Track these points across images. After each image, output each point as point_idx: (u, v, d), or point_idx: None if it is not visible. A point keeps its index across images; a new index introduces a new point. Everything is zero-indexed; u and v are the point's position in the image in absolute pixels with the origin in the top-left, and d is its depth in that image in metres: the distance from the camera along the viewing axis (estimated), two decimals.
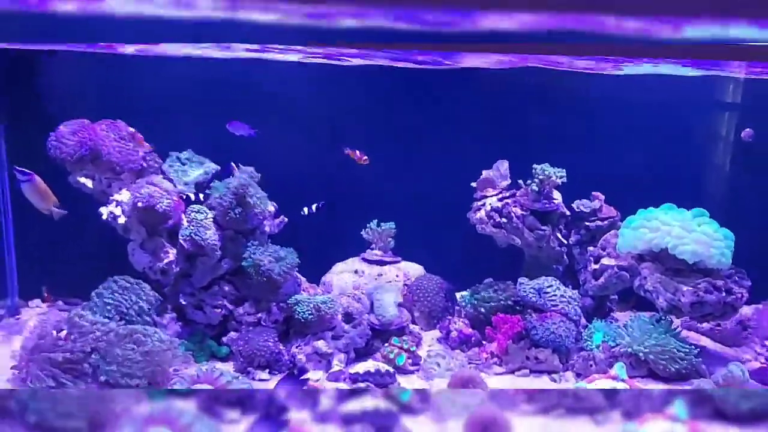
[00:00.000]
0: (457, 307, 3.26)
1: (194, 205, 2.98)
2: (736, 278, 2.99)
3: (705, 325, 3.28)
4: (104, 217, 2.93)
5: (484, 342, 3.11)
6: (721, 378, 2.75)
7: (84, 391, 2.53)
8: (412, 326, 3.22)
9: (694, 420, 2.45)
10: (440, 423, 2.69)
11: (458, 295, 3.28)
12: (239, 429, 2.35)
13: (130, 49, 3.02)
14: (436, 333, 3.24)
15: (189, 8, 2.01)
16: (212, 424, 2.32)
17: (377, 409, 2.49)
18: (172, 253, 2.96)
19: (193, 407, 2.37)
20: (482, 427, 2.59)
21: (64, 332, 2.69)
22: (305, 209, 3.14)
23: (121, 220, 2.92)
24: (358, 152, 3.21)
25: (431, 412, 2.62)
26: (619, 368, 2.85)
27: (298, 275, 3.14)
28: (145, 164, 3.03)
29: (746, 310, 3.24)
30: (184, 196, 3.03)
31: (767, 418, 2.43)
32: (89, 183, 2.96)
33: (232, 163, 3.10)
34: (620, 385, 2.72)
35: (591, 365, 2.94)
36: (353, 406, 2.50)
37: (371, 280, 3.33)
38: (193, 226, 2.93)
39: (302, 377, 2.78)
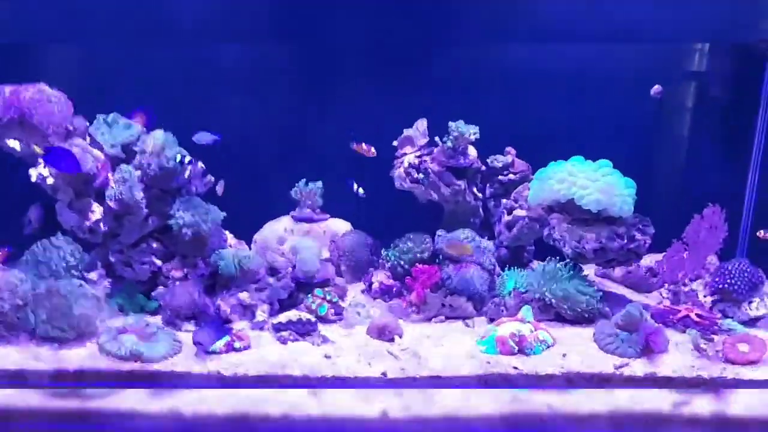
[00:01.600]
0: (381, 261, 3.41)
1: (121, 165, 3.09)
2: (640, 226, 3.17)
3: (617, 271, 3.46)
4: (33, 179, 3.05)
5: (404, 292, 3.27)
6: (620, 318, 2.91)
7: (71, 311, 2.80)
8: (338, 279, 3.37)
9: (538, 321, 3.03)
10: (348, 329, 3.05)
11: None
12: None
13: None
14: (361, 286, 3.40)
15: None
16: (171, 332, 2.90)
17: (300, 318, 2.97)
18: (99, 212, 3.09)
19: (158, 320, 2.99)
20: (379, 330, 2.89)
21: None
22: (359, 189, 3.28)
23: (50, 181, 3.04)
24: (364, 145, 3.31)
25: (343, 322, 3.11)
26: (525, 311, 3.03)
27: (224, 231, 3.27)
28: (71, 127, 3.13)
29: (655, 257, 3.44)
30: (111, 157, 3.15)
31: (592, 322, 3.06)
32: (17, 146, 3.06)
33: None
34: (526, 328, 2.90)
35: (502, 311, 3.10)
36: (282, 317, 3.01)
37: (300, 237, 3.47)
38: (118, 185, 3.04)
39: (223, 323, 2.93)
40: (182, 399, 2.58)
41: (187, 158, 3.12)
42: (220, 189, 3.29)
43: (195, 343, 2.79)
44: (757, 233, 3.42)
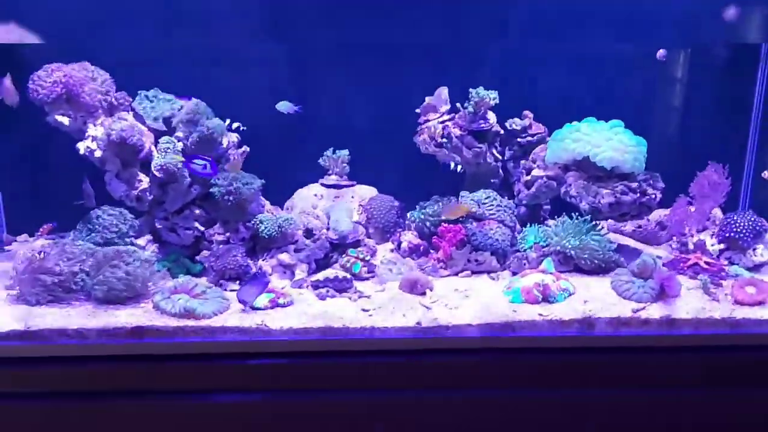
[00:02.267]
0: (407, 223, 3.62)
1: (163, 137, 3.28)
2: (650, 181, 3.38)
3: (628, 227, 3.68)
4: (81, 152, 3.24)
5: (431, 251, 3.49)
6: (635, 267, 3.13)
7: (126, 274, 3.01)
8: (367, 240, 3.58)
9: (559, 272, 3.26)
10: (381, 285, 3.26)
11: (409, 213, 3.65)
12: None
13: None
14: (389, 246, 3.60)
15: None
16: (218, 290, 3.11)
17: (337, 276, 3.15)
18: (145, 182, 3.29)
19: (204, 281, 3.20)
20: (410, 285, 3.05)
21: (43, 255, 3.02)
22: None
23: (98, 153, 3.23)
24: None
25: (376, 279, 3.31)
26: (547, 263, 3.25)
27: (262, 198, 3.47)
28: (115, 102, 3.32)
29: (663, 212, 3.66)
30: (153, 130, 3.35)
31: (609, 272, 3.27)
32: (66, 121, 3.24)
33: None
34: (549, 278, 3.13)
35: (525, 264, 3.32)
36: (320, 275, 3.19)
37: (329, 202, 3.68)
38: (162, 155, 3.23)
39: (264, 279, 3.14)
40: None
41: (235, 124, 3.34)
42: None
43: (239, 300, 3.00)
44: (762, 173, 3.64)
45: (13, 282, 3.03)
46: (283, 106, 3.44)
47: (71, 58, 3.27)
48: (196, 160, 3.24)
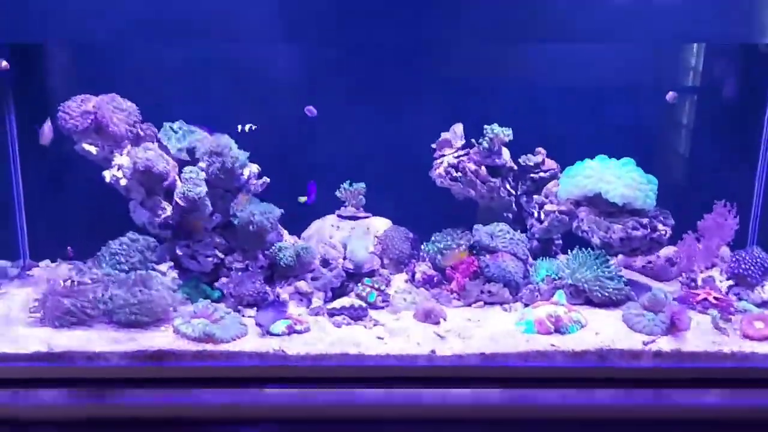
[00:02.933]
0: (421, 254, 3.69)
1: (187, 167, 3.39)
2: (661, 218, 3.46)
3: (638, 262, 3.74)
4: (107, 180, 3.35)
5: (444, 282, 3.55)
6: (646, 300, 3.19)
7: (149, 298, 3.10)
8: (382, 270, 3.65)
9: (571, 304, 3.29)
10: (396, 314, 3.29)
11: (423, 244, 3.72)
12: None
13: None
14: (403, 276, 3.67)
15: None
16: (237, 315, 3.20)
17: (352, 304, 3.22)
18: (168, 210, 3.39)
19: (223, 307, 3.23)
20: (425, 314, 3.12)
21: (69, 282, 3.10)
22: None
23: (123, 182, 3.34)
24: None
25: (390, 308, 3.35)
26: (559, 295, 3.31)
27: (281, 227, 3.56)
28: (142, 133, 3.44)
29: (673, 249, 3.72)
30: (177, 160, 3.45)
31: (620, 305, 3.36)
32: (93, 150, 3.36)
33: (239, 126, 3.51)
34: (561, 310, 3.18)
35: (537, 296, 3.38)
36: (336, 303, 3.25)
37: (345, 233, 3.76)
38: (186, 184, 3.33)
39: (282, 307, 3.22)
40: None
41: (248, 126, 3.50)
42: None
43: (257, 324, 3.08)
44: None
45: (37, 306, 3.12)
46: (310, 111, 3.56)
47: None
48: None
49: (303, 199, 3.61)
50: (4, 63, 3.36)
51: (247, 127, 3.49)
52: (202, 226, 3.39)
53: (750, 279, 3.39)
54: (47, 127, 3.35)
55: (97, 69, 3.76)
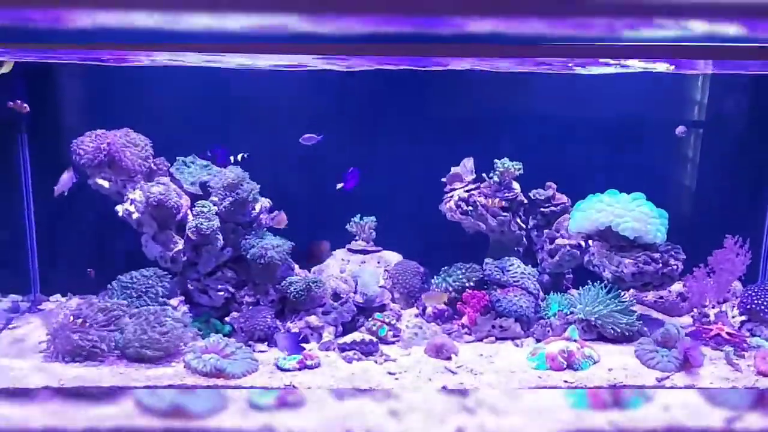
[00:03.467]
0: (432, 288, 3.68)
1: (199, 201, 3.40)
2: (672, 253, 3.45)
3: (650, 297, 3.73)
4: (120, 214, 3.37)
5: (455, 316, 3.54)
6: (659, 336, 3.18)
7: (160, 334, 3.08)
8: (392, 305, 3.64)
9: (583, 340, 3.28)
10: (407, 349, 3.29)
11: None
12: (267, 355, 3.18)
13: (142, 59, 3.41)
14: (413, 310, 3.66)
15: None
16: (248, 350, 3.15)
17: (363, 339, 3.18)
18: (180, 244, 3.40)
19: (234, 341, 3.19)
20: (436, 349, 3.11)
21: (79, 320, 3.10)
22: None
23: (135, 215, 3.35)
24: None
25: (401, 343, 3.32)
26: (571, 330, 3.30)
27: (291, 261, 3.56)
28: (155, 167, 3.46)
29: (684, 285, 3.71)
30: (190, 194, 3.47)
31: (632, 340, 3.32)
32: (106, 184, 3.38)
33: (231, 157, 3.52)
34: (573, 345, 3.17)
35: (549, 331, 3.37)
36: (347, 338, 3.23)
37: (356, 266, 3.75)
38: (198, 219, 3.35)
39: (300, 340, 3.24)
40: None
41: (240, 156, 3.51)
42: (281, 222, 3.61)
43: (280, 347, 3.21)
44: None
45: (47, 340, 3.12)
46: (308, 139, 3.56)
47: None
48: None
49: (340, 185, 3.59)
50: (25, 106, 3.40)
51: (239, 156, 3.50)
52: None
53: (763, 314, 3.37)
54: (67, 176, 3.36)
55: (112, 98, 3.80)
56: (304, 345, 3.25)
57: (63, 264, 3.83)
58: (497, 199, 3.59)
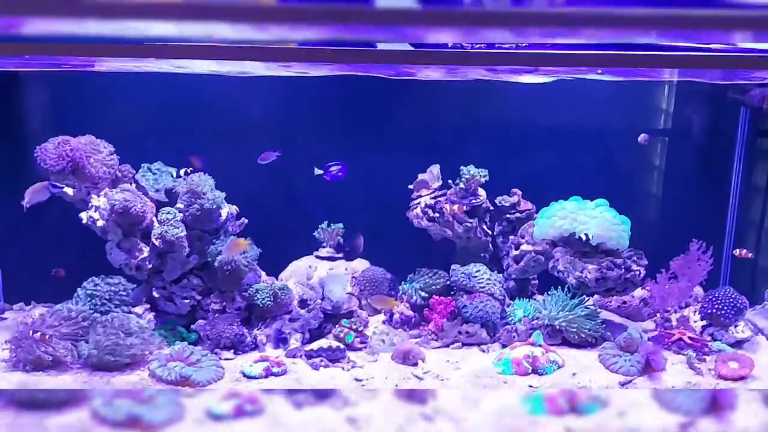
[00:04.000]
0: (399, 294, 3.70)
1: (164, 208, 3.38)
2: (635, 258, 3.50)
3: (613, 303, 3.78)
4: (84, 221, 3.34)
5: (422, 322, 3.56)
6: (622, 340, 3.22)
7: (124, 342, 3.05)
8: (360, 311, 3.64)
9: (548, 345, 3.29)
10: (374, 355, 3.24)
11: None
12: (233, 363, 3.19)
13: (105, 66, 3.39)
14: (381, 317, 3.67)
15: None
16: (214, 358, 3.13)
17: (330, 346, 3.19)
18: (145, 251, 3.37)
19: (199, 349, 3.18)
20: (403, 355, 3.13)
21: (38, 334, 3.06)
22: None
23: (100, 223, 3.32)
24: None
25: (368, 349, 3.27)
26: (536, 335, 3.33)
27: (258, 269, 3.55)
28: (119, 174, 3.43)
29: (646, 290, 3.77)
30: (155, 201, 3.45)
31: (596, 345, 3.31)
32: (70, 191, 3.35)
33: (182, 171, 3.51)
34: (538, 350, 3.20)
35: (514, 336, 3.40)
36: (314, 345, 3.24)
37: (323, 273, 3.75)
38: (163, 226, 3.32)
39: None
40: None
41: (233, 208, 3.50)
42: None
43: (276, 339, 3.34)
44: (734, 252, 3.82)
45: (9, 350, 3.07)
46: (266, 157, 3.58)
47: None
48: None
49: (319, 172, 3.58)
50: None
51: (182, 171, 3.48)
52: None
53: (723, 319, 3.43)
54: (39, 187, 3.32)
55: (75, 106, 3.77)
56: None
57: (26, 272, 3.78)
58: (457, 206, 3.61)
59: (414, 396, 2.60)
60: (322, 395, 2.72)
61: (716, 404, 2.50)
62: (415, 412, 2.50)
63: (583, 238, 3.41)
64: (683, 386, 3.01)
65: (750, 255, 3.80)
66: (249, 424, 2.52)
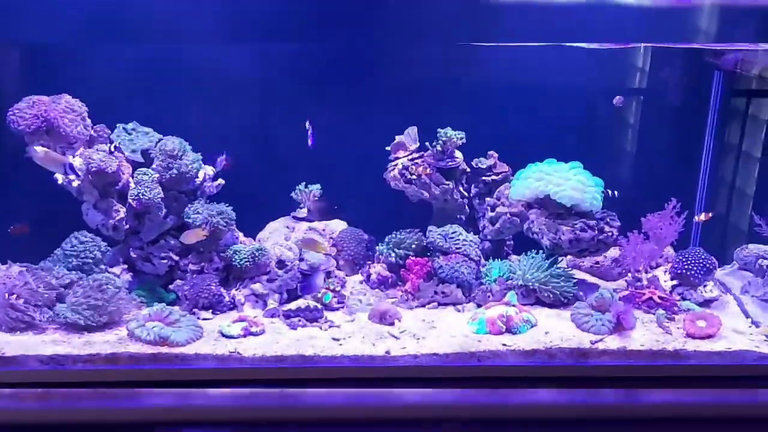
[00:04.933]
0: (377, 255, 3.73)
1: (140, 169, 3.37)
2: (608, 220, 3.56)
3: (586, 263, 3.85)
4: (60, 181, 3.32)
5: (399, 282, 3.61)
6: (594, 300, 3.29)
7: (103, 301, 3.10)
8: (337, 272, 3.68)
9: (522, 305, 3.38)
10: (351, 315, 3.31)
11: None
12: (212, 323, 3.24)
13: None
14: (358, 277, 3.71)
15: None
16: (192, 318, 3.19)
17: (308, 306, 3.26)
18: (122, 212, 3.37)
19: (178, 309, 3.23)
20: (380, 315, 3.18)
21: (15, 296, 3.07)
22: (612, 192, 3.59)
23: (75, 183, 3.30)
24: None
25: (345, 309, 3.38)
26: (510, 296, 3.39)
27: (236, 230, 3.56)
28: (94, 134, 3.41)
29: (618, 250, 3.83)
30: (131, 162, 3.43)
31: (569, 305, 3.44)
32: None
33: None
34: (512, 310, 3.26)
35: (489, 296, 3.46)
36: (292, 305, 3.31)
37: (301, 234, 3.77)
38: (139, 186, 3.31)
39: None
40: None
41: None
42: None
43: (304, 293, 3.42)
44: (696, 218, 3.91)
45: None
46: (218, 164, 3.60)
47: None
48: None
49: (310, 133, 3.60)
50: None
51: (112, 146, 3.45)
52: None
53: (693, 279, 3.51)
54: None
55: (49, 71, 3.71)
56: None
57: (2, 233, 3.76)
58: (422, 168, 3.64)
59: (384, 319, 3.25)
60: (311, 319, 3.25)
61: (619, 326, 3.18)
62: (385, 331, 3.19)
63: (559, 201, 3.46)
64: (652, 344, 3.09)
65: (710, 215, 3.87)
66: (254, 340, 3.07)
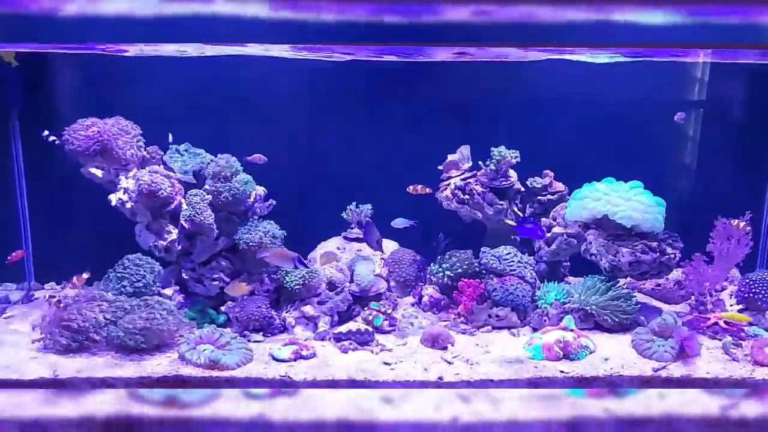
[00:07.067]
0: (428, 276, 3.66)
1: (192, 190, 3.37)
2: (670, 241, 3.43)
3: (647, 285, 3.71)
4: (113, 203, 3.34)
5: (452, 305, 3.53)
6: (656, 326, 3.16)
7: (154, 324, 3.06)
8: (388, 294, 3.62)
9: (580, 329, 3.25)
10: (403, 338, 3.30)
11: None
12: (263, 345, 3.18)
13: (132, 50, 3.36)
14: (410, 299, 3.65)
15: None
16: (243, 341, 3.14)
17: (359, 329, 3.21)
18: (174, 233, 3.37)
19: (229, 331, 3.21)
20: (432, 339, 3.08)
21: (58, 300, 3.08)
22: None
23: (129, 205, 3.33)
24: (419, 187, 3.62)
25: (397, 332, 3.34)
26: (568, 320, 3.28)
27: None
28: (147, 156, 3.43)
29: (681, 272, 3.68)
30: (183, 183, 3.44)
31: (629, 330, 3.32)
32: (99, 173, 3.35)
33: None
34: (569, 335, 3.15)
35: (545, 320, 3.35)
36: (343, 328, 3.23)
37: (351, 255, 3.73)
38: (191, 208, 3.31)
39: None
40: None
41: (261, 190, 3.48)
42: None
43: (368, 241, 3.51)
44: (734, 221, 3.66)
45: (40, 330, 3.10)
46: (399, 223, 3.59)
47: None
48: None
49: None
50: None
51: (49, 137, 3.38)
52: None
53: (760, 303, 3.36)
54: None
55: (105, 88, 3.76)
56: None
57: (58, 253, 3.81)
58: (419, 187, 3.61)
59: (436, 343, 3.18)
60: (362, 342, 3.20)
61: (683, 353, 3.05)
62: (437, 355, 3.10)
63: (618, 221, 3.34)
64: (718, 372, 2.95)
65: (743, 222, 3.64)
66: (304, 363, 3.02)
